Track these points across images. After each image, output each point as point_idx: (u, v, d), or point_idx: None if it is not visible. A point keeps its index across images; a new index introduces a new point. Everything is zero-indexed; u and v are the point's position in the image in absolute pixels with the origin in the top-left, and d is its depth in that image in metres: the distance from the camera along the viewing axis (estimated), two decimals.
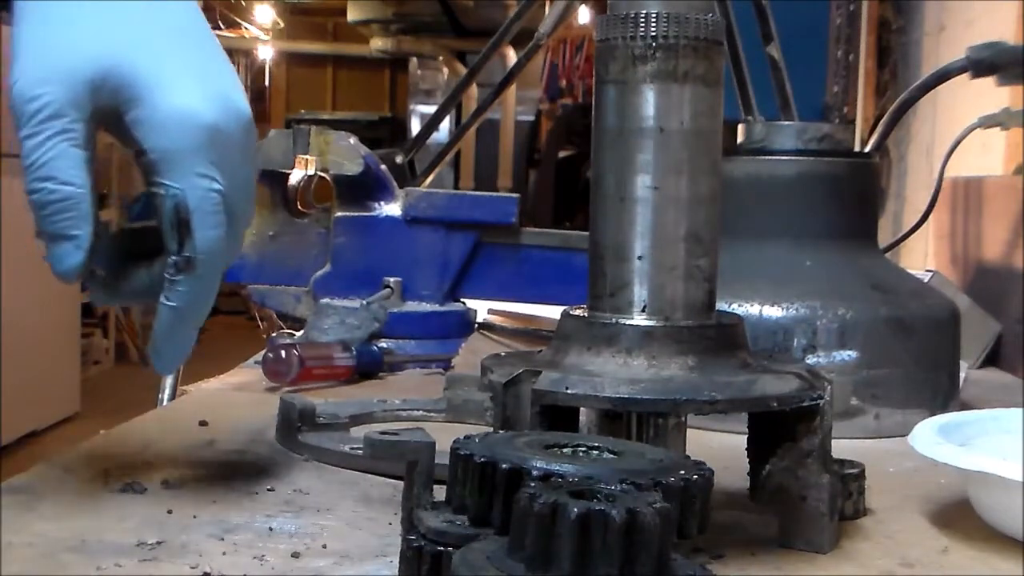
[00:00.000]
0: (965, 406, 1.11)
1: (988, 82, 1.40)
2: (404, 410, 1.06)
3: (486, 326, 1.53)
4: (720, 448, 0.79)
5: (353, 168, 1.41)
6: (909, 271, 1.29)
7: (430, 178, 1.78)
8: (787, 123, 1.24)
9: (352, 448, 0.88)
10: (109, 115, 0.68)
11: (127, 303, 0.74)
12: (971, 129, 1.63)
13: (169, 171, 0.66)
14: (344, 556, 0.68)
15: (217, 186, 0.67)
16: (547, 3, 2.20)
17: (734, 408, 0.70)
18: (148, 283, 0.72)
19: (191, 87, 0.67)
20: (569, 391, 0.67)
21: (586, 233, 0.75)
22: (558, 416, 0.68)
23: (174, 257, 0.68)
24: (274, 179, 1.44)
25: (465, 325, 1.45)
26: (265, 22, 9.26)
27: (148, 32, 0.67)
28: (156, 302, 0.70)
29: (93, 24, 0.66)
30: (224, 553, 0.67)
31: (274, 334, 1.45)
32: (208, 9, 8.66)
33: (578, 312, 0.74)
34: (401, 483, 0.63)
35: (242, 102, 0.70)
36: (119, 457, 0.87)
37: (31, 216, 0.69)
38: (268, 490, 0.81)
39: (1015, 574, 0.70)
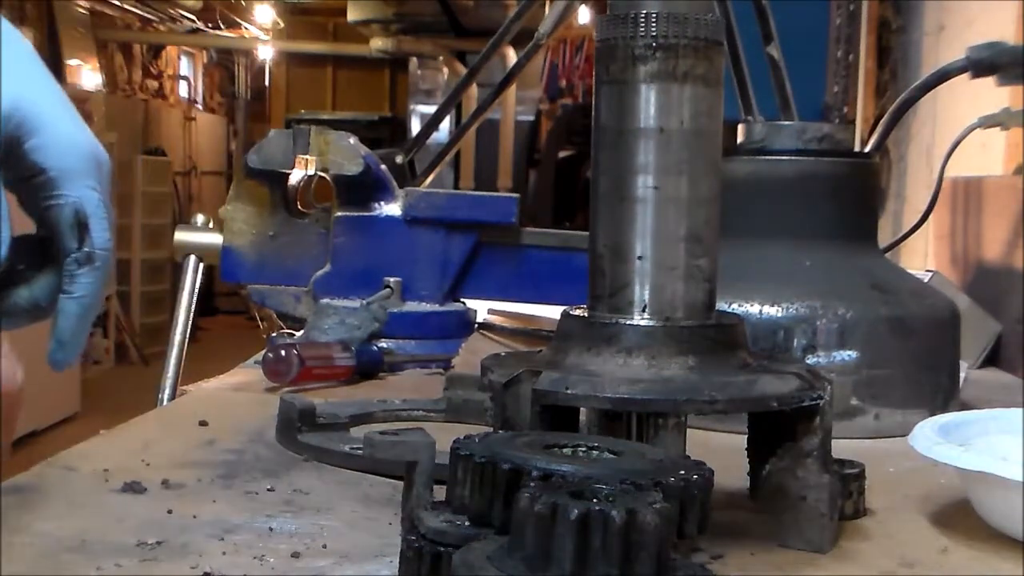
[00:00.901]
0: (965, 406, 1.11)
1: (988, 82, 1.40)
2: (404, 410, 1.06)
3: (486, 326, 1.53)
4: (720, 448, 0.79)
5: (353, 168, 1.41)
6: (909, 271, 1.29)
7: (430, 178, 1.78)
8: (787, 123, 1.24)
9: (352, 448, 0.88)
10: (7, 146, 0.79)
11: (10, 326, 0.83)
12: (971, 129, 1.63)
13: (67, 184, 0.79)
14: (344, 556, 0.68)
15: (100, 196, 0.80)
16: (547, 3, 2.20)
17: (734, 408, 0.70)
18: (28, 297, 0.80)
19: (74, 124, 0.81)
20: (569, 391, 0.67)
21: (586, 233, 0.75)
22: (558, 416, 0.68)
23: (75, 255, 0.79)
24: (274, 179, 1.44)
25: (465, 325, 1.45)
26: (265, 22, 9.27)
27: (39, 82, 0.81)
28: (39, 317, 0.79)
29: (3, 72, 0.80)
30: (224, 553, 0.67)
31: (274, 334, 1.45)
32: (208, 9, 8.70)
33: (578, 312, 0.74)
34: (401, 483, 0.63)
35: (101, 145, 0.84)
36: (119, 457, 0.87)
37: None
38: (268, 490, 0.81)
39: (1015, 574, 0.70)
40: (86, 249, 0.78)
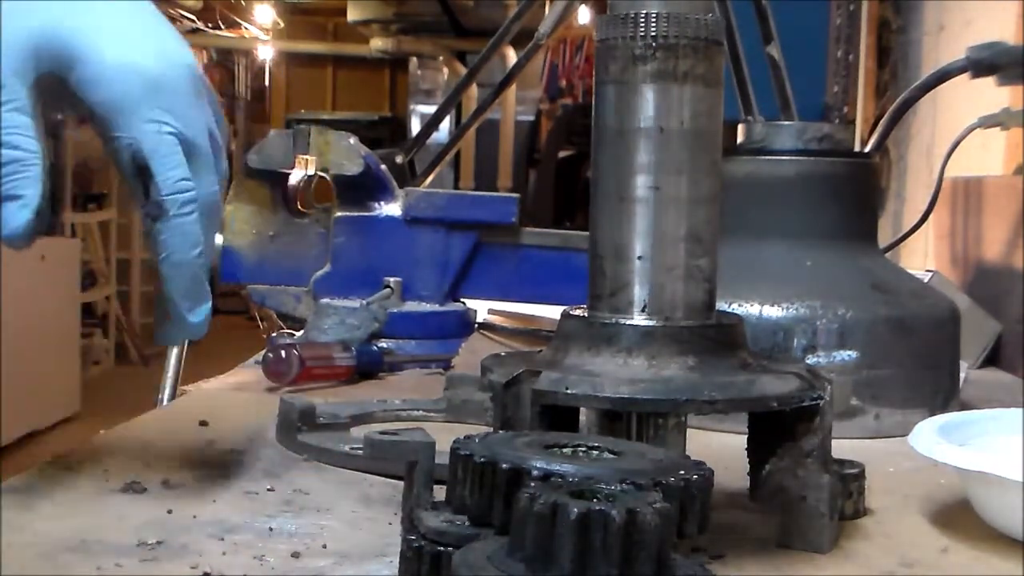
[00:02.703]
0: (965, 406, 1.11)
1: (988, 82, 1.40)
2: (404, 410, 1.06)
3: (486, 326, 1.53)
4: (720, 448, 0.79)
5: (353, 168, 1.41)
6: (909, 271, 1.29)
7: (430, 178, 1.78)
8: (787, 123, 1.24)
9: (352, 448, 0.88)
10: (53, 83, 0.69)
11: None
12: (971, 129, 1.63)
13: (119, 122, 0.68)
14: (344, 556, 0.68)
15: (170, 128, 0.69)
16: (547, 3, 2.20)
17: (734, 408, 0.70)
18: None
19: (129, 44, 0.69)
20: (569, 391, 0.67)
21: (586, 233, 0.75)
22: (558, 416, 0.68)
23: (144, 209, 0.69)
24: (274, 179, 1.44)
25: (465, 325, 1.45)
26: (265, 22, 9.26)
27: (83, 4, 0.69)
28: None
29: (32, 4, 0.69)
30: (224, 553, 0.67)
31: (274, 334, 1.45)
32: (208, 9, 8.70)
33: (578, 312, 0.74)
34: (401, 483, 0.63)
35: (184, 54, 0.72)
36: (119, 457, 0.87)
37: None
38: (268, 490, 0.81)
39: (1015, 574, 0.70)
40: (153, 199, 0.68)
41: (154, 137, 0.68)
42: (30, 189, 0.67)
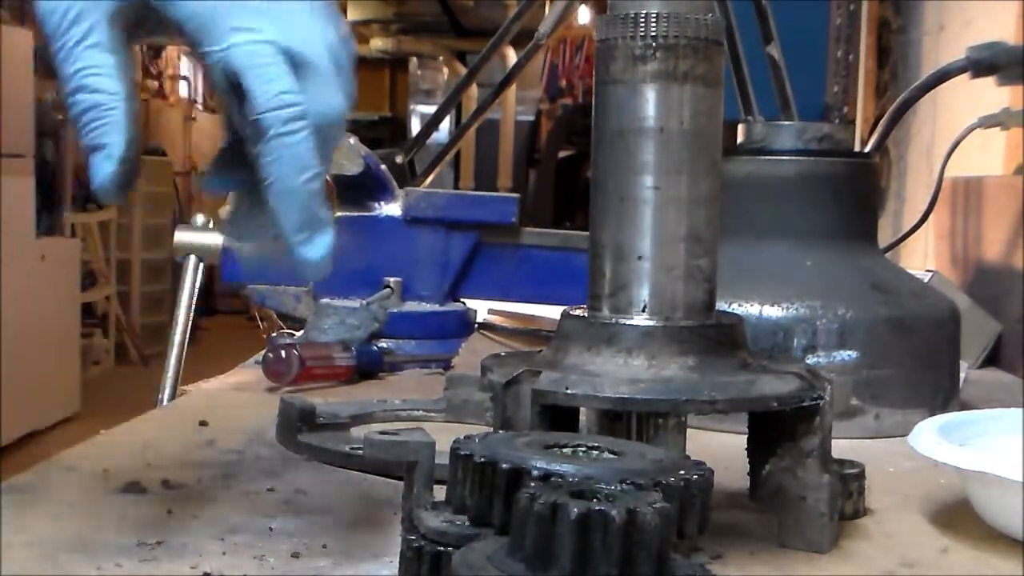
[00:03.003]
0: (965, 406, 1.11)
1: (988, 82, 1.40)
2: (404, 410, 1.06)
3: (486, 326, 1.53)
4: (720, 448, 0.79)
5: (353, 168, 1.41)
6: (909, 271, 1.29)
7: (430, 178, 1.78)
8: (787, 123, 1.24)
9: (352, 448, 0.88)
10: (138, 9, 0.62)
11: (263, 237, 0.67)
12: (971, 129, 1.63)
13: (207, 35, 0.60)
14: (344, 556, 0.68)
15: (265, 36, 0.60)
16: (547, 3, 2.21)
17: (734, 408, 0.70)
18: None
19: None
20: (569, 391, 0.67)
21: (586, 233, 0.75)
22: (558, 416, 0.68)
23: (245, 129, 0.60)
24: None
25: (465, 325, 1.45)
26: None
27: None
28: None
29: None
30: (224, 553, 0.67)
31: (274, 334, 1.45)
32: None
33: (578, 312, 0.74)
34: (401, 483, 0.63)
35: None
36: (119, 457, 0.87)
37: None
38: (268, 490, 0.81)
39: (1015, 574, 0.70)
40: (251, 118, 0.59)
41: (245, 48, 0.59)
42: (114, 136, 0.61)
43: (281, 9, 0.61)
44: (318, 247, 0.66)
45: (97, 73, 0.61)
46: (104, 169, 0.61)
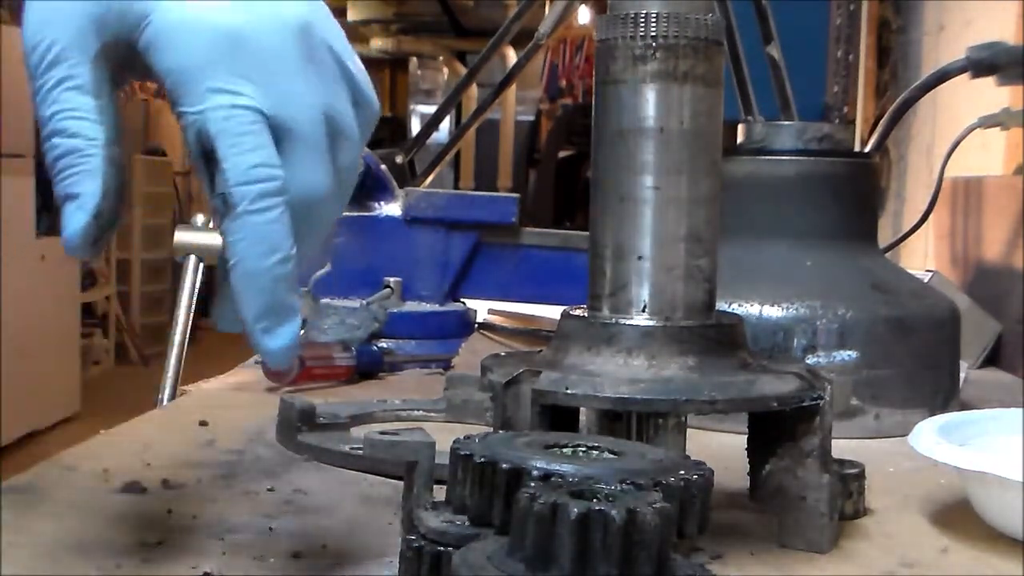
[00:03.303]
0: (965, 406, 1.11)
1: (988, 82, 1.40)
2: (404, 410, 1.06)
3: (486, 326, 1.53)
4: (720, 448, 0.79)
5: None
6: (909, 271, 1.29)
7: (430, 178, 1.78)
8: (787, 123, 1.24)
9: (352, 448, 0.88)
10: (122, 50, 0.58)
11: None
12: (971, 129, 1.63)
13: (184, 94, 0.55)
14: (344, 556, 0.68)
15: (246, 101, 0.55)
16: (547, 3, 2.20)
17: (734, 408, 0.70)
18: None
19: None
20: (569, 391, 0.67)
21: (586, 233, 0.75)
22: (558, 416, 0.68)
23: (212, 202, 0.55)
24: None
25: (465, 325, 1.45)
26: None
27: None
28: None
29: None
30: (224, 553, 0.67)
31: None
32: None
33: (578, 312, 0.74)
34: (401, 483, 0.63)
35: (291, 6, 0.58)
36: (119, 457, 0.87)
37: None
38: (268, 490, 0.81)
39: (1015, 574, 0.70)
40: (219, 191, 0.54)
41: (222, 113, 0.54)
42: (87, 185, 0.56)
43: (272, 72, 0.56)
44: (281, 337, 0.58)
45: (75, 116, 0.57)
46: (75, 221, 0.56)
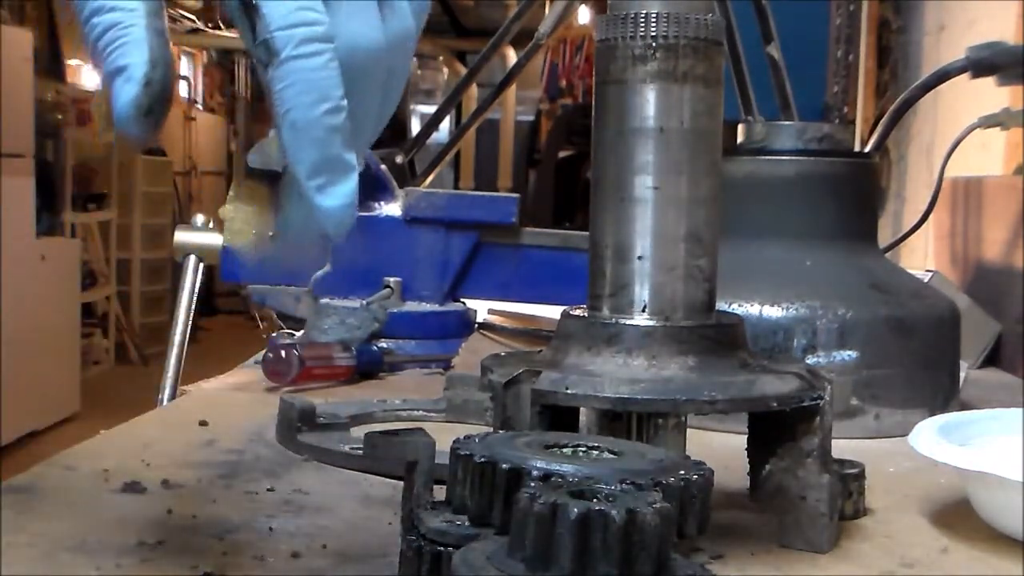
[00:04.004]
0: (965, 406, 1.11)
1: (988, 82, 1.40)
2: (404, 410, 1.06)
3: (486, 326, 1.53)
4: (720, 448, 0.79)
5: None
6: (909, 271, 1.29)
7: (430, 178, 1.78)
8: (787, 123, 1.24)
9: (352, 448, 0.88)
10: None
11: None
12: (971, 129, 1.63)
13: None
14: (344, 556, 0.68)
15: None
16: (547, 3, 2.21)
17: (734, 408, 0.70)
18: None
19: None
20: (569, 391, 0.67)
21: (586, 233, 0.75)
22: (558, 416, 0.68)
23: (255, 54, 0.53)
24: (274, 179, 1.44)
25: (465, 325, 1.45)
26: None
27: None
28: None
29: None
30: (224, 553, 0.67)
31: (274, 334, 1.45)
32: (208, 9, 8.70)
33: (578, 312, 0.74)
34: (401, 483, 0.63)
35: None
36: (119, 457, 0.87)
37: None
38: (268, 490, 0.81)
39: (1015, 574, 0.70)
40: (260, 39, 0.52)
41: None
42: (134, 55, 0.53)
43: None
44: (337, 196, 0.56)
45: None
46: (125, 93, 0.53)
